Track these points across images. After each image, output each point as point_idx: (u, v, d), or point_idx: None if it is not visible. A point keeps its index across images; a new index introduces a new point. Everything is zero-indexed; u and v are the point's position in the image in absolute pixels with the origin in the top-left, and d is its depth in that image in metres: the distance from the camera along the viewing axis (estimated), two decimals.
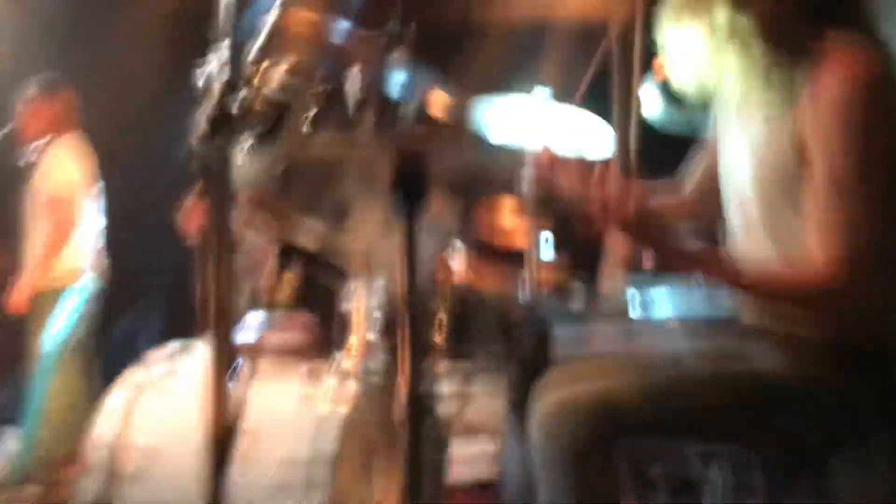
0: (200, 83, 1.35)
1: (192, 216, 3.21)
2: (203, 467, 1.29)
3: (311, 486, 1.90)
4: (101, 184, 4.13)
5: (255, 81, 1.58)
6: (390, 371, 2.15)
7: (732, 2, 1.51)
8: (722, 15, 1.51)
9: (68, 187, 3.95)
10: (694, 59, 1.59)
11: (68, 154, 4.02)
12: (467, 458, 2.97)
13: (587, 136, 2.99)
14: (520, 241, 3.92)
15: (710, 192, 1.76)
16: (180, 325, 2.49)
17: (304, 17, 1.70)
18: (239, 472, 1.34)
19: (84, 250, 4.02)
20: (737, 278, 1.54)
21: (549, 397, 1.59)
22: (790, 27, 1.51)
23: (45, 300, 3.87)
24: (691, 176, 1.88)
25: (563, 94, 2.89)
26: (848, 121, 1.42)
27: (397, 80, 1.78)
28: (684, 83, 1.64)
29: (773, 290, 1.54)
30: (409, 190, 1.46)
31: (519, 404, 1.78)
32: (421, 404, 1.46)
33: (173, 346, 2.34)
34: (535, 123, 2.89)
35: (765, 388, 1.55)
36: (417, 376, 1.44)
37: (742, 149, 1.62)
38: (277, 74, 1.63)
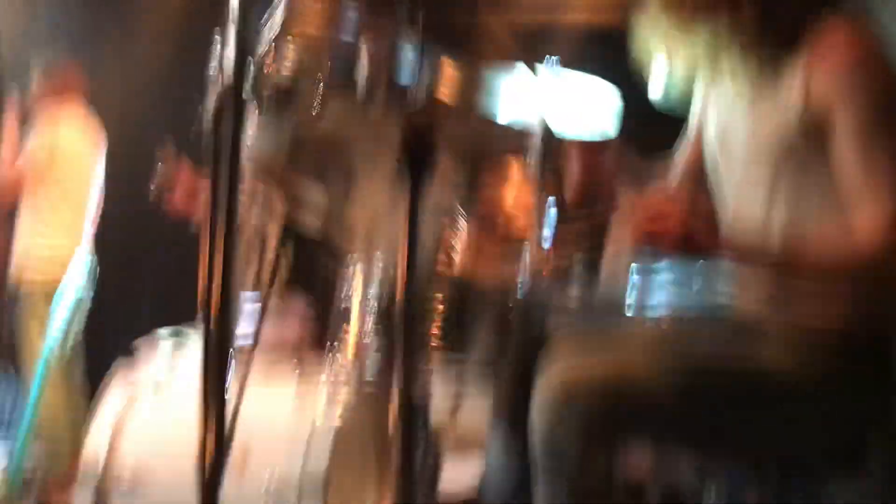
0: (211, 64, 1.34)
1: (173, 185, 3.07)
2: (195, 484, 1.22)
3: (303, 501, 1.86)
4: (104, 151, 4.07)
5: (266, 61, 1.55)
6: (385, 376, 2.11)
7: None
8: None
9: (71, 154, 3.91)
10: (689, 39, 1.59)
11: (72, 122, 3.97)
12: (459, 475, 2.92)
13: (594, 104, 2.94)
14: (522, 225, 3.88)
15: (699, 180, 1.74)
16: (172, 312, 2.45)
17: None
18: (231, 490, 1.27)
19: (85, 229, 3.97)
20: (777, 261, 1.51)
21: (557, 373, 1.54)
22: (787, 9, 1.53)
23: (44, 294, 3.76)
24: (675, 168, 1.84)
25: (572, 60, 2.84)
26: (864, 80, 1.44)
27: (407, 60, 1.75)
28: (679, 63, 1.64)
29: (819, 261, 1.48)
30: (416, 163, 1.42)
31: (508, 404, 1.74)
32: (414, 414, 1.40)
33: (163, 334, 2.30)
34: (543, 96, 2.85)
35: (767, 381, 1.53)
36: (412, 378, 1.41)
37: (739, 121, 1.62)
38: (288, 54, 1.62)
